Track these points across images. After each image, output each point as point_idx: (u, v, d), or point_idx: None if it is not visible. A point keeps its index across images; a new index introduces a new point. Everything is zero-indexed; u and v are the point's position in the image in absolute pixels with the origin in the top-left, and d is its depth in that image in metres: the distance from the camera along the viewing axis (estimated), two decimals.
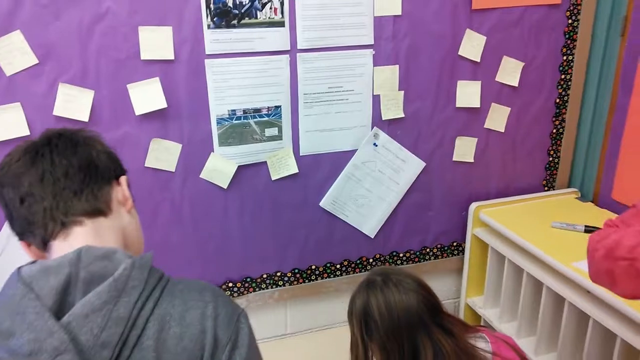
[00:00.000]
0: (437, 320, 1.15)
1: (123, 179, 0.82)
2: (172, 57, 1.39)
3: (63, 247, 0.72)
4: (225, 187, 1.55)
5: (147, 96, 1.40)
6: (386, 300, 1.13)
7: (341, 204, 1.70)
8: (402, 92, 1.66)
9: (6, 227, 1.37)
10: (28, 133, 1.34)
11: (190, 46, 1.41)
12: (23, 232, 0.77)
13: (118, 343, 0.66)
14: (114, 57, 1.36)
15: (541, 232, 1.66)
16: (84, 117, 1.37)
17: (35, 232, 0.74)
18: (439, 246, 1.89)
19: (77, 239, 0.73)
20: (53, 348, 0.62)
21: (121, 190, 0.81)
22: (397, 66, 1.62)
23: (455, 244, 1.91)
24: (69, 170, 0.75)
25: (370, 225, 1.76)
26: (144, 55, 1.37)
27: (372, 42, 1.57)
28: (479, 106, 1.74)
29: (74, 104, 1.35)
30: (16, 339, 0.63)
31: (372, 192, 1.72)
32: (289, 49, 1.50)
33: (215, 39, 1.42)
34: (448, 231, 1.89)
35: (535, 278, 1.59)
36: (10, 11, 1.26)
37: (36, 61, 1.31)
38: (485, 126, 1.78)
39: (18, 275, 0.68)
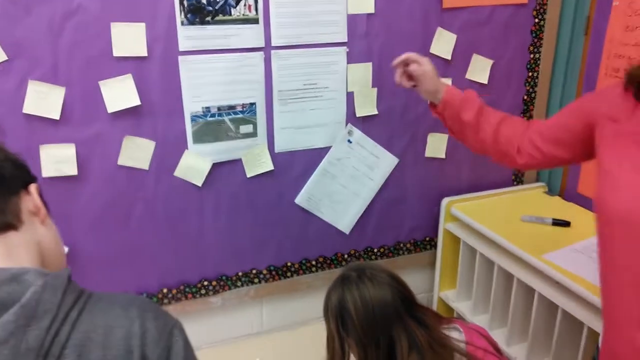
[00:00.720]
0: (412, 313, 1.17)
1: (33, 187, 0.74)
2: (145, 53, 1.38)
3: None
4: (200, 185, 1.54)
5: (120, 93, 1.38)
6: (361, 294, 1.15)
7: (316, 200, 1.71)
8: (375, 89, 1.67)
9: None
10: None
11: (163, 43, 1.40)
12: None
13: None
14: (86, 54, 1.34)
15: (511, 225, 1.70)
16: (55, 114, 1.34)
17: None
18: (412, 241, 1.92)
19: None
20: None
21: (32, 200, 0.73)
22: (370, 63, 1.64)
23: (428, 238, 1.95)
24: None
25: (345, 222, 1.77)
26: (117, 52, 1.35)
27: (346, 40, 1.59)
28: None
29: (44, 101, 1.33)
30: None
31: (347, 188, 1.74)
32: (263, 45, 1.50)
33: (188, 35, 1.41)
34: (421, 226, 1.92)
35: (506, 270, 1.63)
36: None
37: (5, 57, 1.28)
38: None
39: None
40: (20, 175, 0.73)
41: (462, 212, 1.81)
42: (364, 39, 1.61)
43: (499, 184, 1.96)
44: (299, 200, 1.69)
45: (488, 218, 1.75)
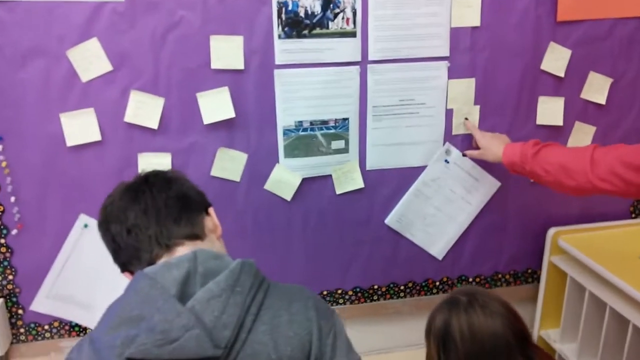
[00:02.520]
0: (524, 351, 1.05)
1: (211, 210, 0.96)
2: (242, 66, 1.38)
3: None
4: (289, 199, 1.52)
5: (216, 105, 1.39)
6: (470, 321, 1.06)
7: (408, 222, 1.63)
8: (478, 106, 1.57)
9: (75, 229, 1.39)
10: (99, 138, 1.37)
11: (260, 56, 1.39)
12: (129, 261, 0.88)
13: (236, 325, 0.75)
14: (185, 66, 1.36)
15: (628, 263, 1.51)
16: (154, 124, 1.38)
17: (142, 256, 0.86)
18: (512, 272, 1.77)
19: (180, 254, 0.84)
20: (182, 325, 0.72)
21: (211, 220, 0.95)
22: (473, 79, 1.54)
23: (529, 270, 1.79)
24: (168, 201, 0.88)
25: (438, 246, 1.67)
26: (215, 65, 1.37)
27: (448, 54, 1.50)
28: (561, 124, 1.62)
29: (144, 110, 1.37)
30: (146, 321, 0.72)
31: (441, 211, 1.64)
32: (359, 60, 1.45)
33: (285, 49, 1.40)
34: (523, 257, 1.76)
35: (621, 314, 1.44)
36: (89, 19, 1.29)
37: (110, 68, 1.33)
38: (568, 146, 1.66)
39: (142, 274, 0.79)
40: (201, 199, 0.96)
41: (570, 244, 1.64)
42: (467, 53, 1.51)
43: (614, 216, 1.76)
44: (389, 220, 1.61)
45: (601, 253, 1.57)
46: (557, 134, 1.64)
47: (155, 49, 1.34)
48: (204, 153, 1.43)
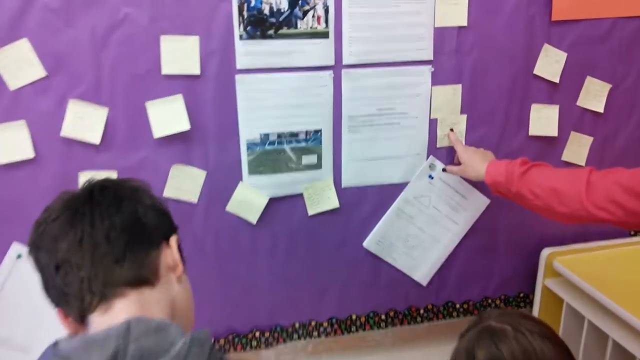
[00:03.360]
0: None
1: (173, 240, 0.74)
2: (197, 71, 1.21)
3: (103, 321, 0.64)
4: (254, 222, 1.34)
5: (168, 116, 1.21)
6: (524, 349, 0.86)
7: (388, 244, 1.46)
8: (465, 116, 1.41)
9: (7, 260, 1.21)
10: (33, 155, 1.18)
11: (219, 59, 1.22)
12: (57, 303, 0.69)
13: None
14: (132, 71, 1.18)
15: (631, 289, 1.37)
16: (96, 138, 1.19)
17: (72, 303, 0.67)
18: (502, 297, 1.62)
19: (119, 313, 0.65)
20: None
21: (171, 254, 0.73)
22: (459, 85, 1.38)
23: (521, 294, 1.63)
24: (111, 233, 0.67)
25: (422, 271, 1.51)
26: (166, 69, 1.19)
27: (432, 58, 1.34)
28: (556, 135, 1.48)
29: (84, 122, 1.18)
30: None
31: (425, 232, 1.48)
32: (333, 64, 1.29)
33: (247, 51, 1.23)
34: (514, 279, 1.61)
35: (625, 349, 1.29)
36: (16, 16, 1.11)
37: (44, 74, 1.14)
38: (563, 158, 1.51)
39: (54, 350, 0.60)
40: (162, 225, 0.74)
41: (567, 267, 1.49)
42: (453, 57, 1.35)
43: (612, 234, 1.61)
44: (368, 243, 1.45)
45: (601, 277, 1.42)
46: (551, 145, 1.50)
47: (96, 52, 1.16)
48: (155, 171, 1.25)
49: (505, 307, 1.52)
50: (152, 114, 1.21)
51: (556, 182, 1.13)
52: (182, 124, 1.22)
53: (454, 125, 1.41)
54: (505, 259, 1.57)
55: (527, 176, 1.18)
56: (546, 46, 1.41)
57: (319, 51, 1.27)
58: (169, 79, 1.20)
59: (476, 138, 1.43)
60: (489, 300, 1.60)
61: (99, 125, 1.19)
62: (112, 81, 1.18)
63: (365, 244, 1.45)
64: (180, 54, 1.19)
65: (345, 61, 1.29)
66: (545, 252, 1.55)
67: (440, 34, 1.33)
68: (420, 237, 1.48)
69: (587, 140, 1.52)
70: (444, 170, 1.41)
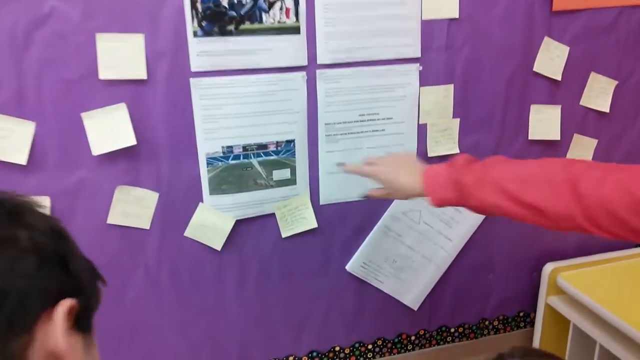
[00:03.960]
0: None
1: (64, 307, 0.42)
2: (143, 75, 1.01)
3: None
4: (219, 248, 1.16)
5: (109, 129, 1.01)
6: None
7: (374, 267, 1.29)
8: (458, 120, 1.24)
9: None
10: None
11: (169, 61, 1.02)
12: None
13: None
14: (62, 76, 0.98)
15: None
16: (22, 158, 0.99)
17: None
18: (501, 317, 1.46)
19: None
20: None
21: (53, 335, 0.41)
22: (451, 86, 1.21)
23: (521, 314, 1.48)
24: None
25: (412, 294, 1.33)
26: (104, 74, 0.99)
27: (419, 55, 1.17)
28: (558, 138, 1.32)
29: (7, 140, 0.98)
30: None
31: (415, 251, 1.30)
32: (305, 64, 1.10)
33: (204, 50, 1.03)
34: (513, 298, 1.45)
35: None
36: None
37: None
38: None
39: None
40: (44, 283, 0.41)
41: (572, 284, 1.33)
42: (443, 53, 1.18)
43: (618, 245, 1.46)
44: (352, 266, 1.27)
45: (611, 294, 1.28)
46: (553, 149, 1.34)
47: (17, 54, 0.95)
48: (97, 194, 1.05)
49: (527, 346, 1.35)
50: (90, 127, 1.01)
51: (532, 191, 0.81)
52: (127, 138, 1.02)
53: (447, 131, 1.23)
54: (503, 276, 1.42)
55: (484, 184, 0.85)
56: (547, 40, 1.24)
57: (289, 49, 1.08)
58: (108, 85, 1.00)
59: (470, 144, 1.26)
60: (487, 322, 1.45)
61: (24, 143, 0.99)
62: (38, 90, 0.97)
63: (348, 267, 1.27)
64: (121, 56, 0.99)
65: (320, 60, 1.11)
66: (548, 268, 1.39)
67: (429, 27, 1.16)
68: (410, 257, 1.31)
69: (591, 142, 1.36)
70: (365, 198, 1.08)
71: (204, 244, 1.15)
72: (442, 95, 1.21)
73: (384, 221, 1.26)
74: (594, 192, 0.75)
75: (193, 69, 1.04)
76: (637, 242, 1.45)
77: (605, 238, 0.78)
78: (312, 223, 1.20)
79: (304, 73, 1.11)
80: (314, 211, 1.20)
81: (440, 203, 0.92)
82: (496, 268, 1.41)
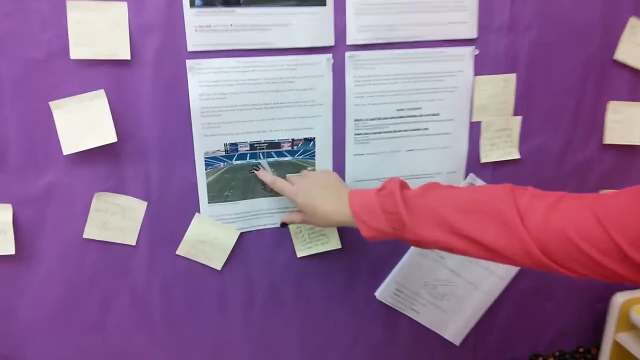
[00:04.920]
0: None
1: None
2: (126, 55, 0.80)
3: None
4: (219, 267, 0.95)
5: (84, 122, 0.81)
6: None
7: (409, 294, 1.07)
8: (519, 118, 1.00)
9: None
10: None
11: (159, 37, 0.81)
12: None
13: None
14: (25, 56, 0.77)
15: None
16: None
17: None
18: (557, 354, 1.23)
19: None
20: None
21: None
22: (513, 75, 0.97)
23: (581, 349, 1.24)
24: None
25: (455, 327, 1.11)
26: (77, 53, 0.78)
27: (475, 35, 0.93)
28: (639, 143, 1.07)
29: None
30: None
31: (460, 275, 1.08)
32: (332, 44, 0.88)
33: (203, 24, 0.82)
34: (572, 332, 1.22)
35: None
36: None
37: None
38: None
39: None
40: None
41: None
42: (504, 35, 0.94)
43: None
44: (382, 293, 1.05)
45: None
46: (632, 157, 1.10)
47: None
48: (70, 202, 0.85)
49: None
50: (60, 119, 0.80)
51: (474, 222, 0.68)
52: (106, 133, 0.82)
53: (503, 131, 1.00)
54: (562, 306, 1.18)
55: (421, 215, 0.73)
56: (633, 20, 0.99)
57: (312, 25, 0.86)
58: (83, 67, 0.80)
59: (533, 147, 1.03)
60: (540, 359, 1.21)
61: None
62: None
63: (377, 293, 1.05)
64: (98, 30, 0.78)
65: (350, 40, 0.88)
66: (618, 299, 1.15)
67: (488, 3, 0.92)
68: (453, 282, 1.08)
69: None
70: (282, 226, 0.94)
71: (202, 264, 0.94)
72: (502, 87, 0.97)
73: None
74: (545, 219, 0.63)
75: (190, 47, 0.82)
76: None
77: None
78: (334, 243, 0.99)
79: (329, 56, 0.88)
80: (337, 228, 0.98)
81: (374, 235, 0.78)
82: (555, 296, 1.17)
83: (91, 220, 0.86)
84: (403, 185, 0.77)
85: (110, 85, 0.81)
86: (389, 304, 1.07)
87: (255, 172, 0.91)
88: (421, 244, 0.75)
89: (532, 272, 1.11)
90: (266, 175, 0.90)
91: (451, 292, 1.09)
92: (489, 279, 1.10)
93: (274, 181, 0.88)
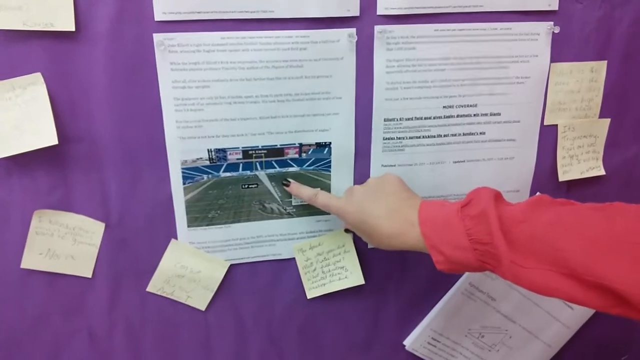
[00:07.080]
0: None
1: None
2: (70, 25, 0.58)
3: None
4: (203, 308, 0.73)
5: (16, 118, 0.60)
6: None
7: (449, 344, 0.83)
8: (607, 121, 0.75)
9: None
10: None
11: (116, 2, 0.59)
12: None
13: None
14: None
15: None
16: None
17: None
18: None
19: None
20: None
21: None
22: (603, 63, 0.72)
23: None
24: None
25: None
26: (2, 22, 0.57)
27: (556, 7, 0.68)
28: None
29: None
30: None
31: (515, 322, 0.84)
32: (356, 14, 0.64)
33: None
34: None
35: None
36: None
37: None
38: None
39: None
40: None
41: None
42: (595, 6, 0.69)
43: None
44: (413, 342, 0.82)
45: None
46: None
47: None
48: (3, 222, 0.64)
49: None
50: None
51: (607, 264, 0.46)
52: (45, 132, 0.60)
53: (585, 139, 0.75)
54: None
55: (531, 247, 0.50)
56: None
57: None
58: (11, 41, 0.58)
59: (622, 161, 0.78)
60: None
61: None
62: None
63: (407, 343, 0.82)
64: None
65: (381, 9, 0.64)
66: None
67: None
68: (506, 329, 0.84)
69: None
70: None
71: (181, 302, 0.73)
72: (588, 79, 0.72)
73: (470, 276, 0.80)
74: None
75: (158, 16, 0.60)
76: None
77: None
78: (356, 278, 0.75)
79: (352, 31, 0.64)
80: (359, 258, 0.75)
81: (453, 268, 0.55)
82: (632, 348, 0.92)
83: (31, 245, 0.65)
84: (498, 199, 0.54)
85: (49, 67, 0.59)
86: (422, 356, 0.83)
87: (285, 187, 0.69)
88: (524, 286, 0.53)
89: (606, 318, 0.87)
90: (302, 189, 0.67)
91: (502, 342, 0.85)
92: (553, 327, 0.86)
93: (314, 195, 0.66)
